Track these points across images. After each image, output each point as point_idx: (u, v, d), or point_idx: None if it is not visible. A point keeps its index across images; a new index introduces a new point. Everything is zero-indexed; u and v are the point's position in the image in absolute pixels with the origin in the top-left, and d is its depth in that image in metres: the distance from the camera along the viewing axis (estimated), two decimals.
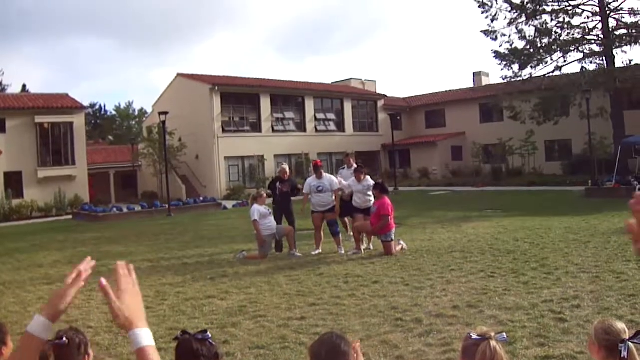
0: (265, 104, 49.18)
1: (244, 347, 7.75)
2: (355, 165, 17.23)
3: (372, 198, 15.84)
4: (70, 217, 34.30)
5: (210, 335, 3.25)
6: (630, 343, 3.00)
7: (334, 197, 15.95)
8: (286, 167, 17.09)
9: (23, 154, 39.02)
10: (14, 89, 74.35)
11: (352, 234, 16.57)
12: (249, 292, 11.50)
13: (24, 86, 78.72)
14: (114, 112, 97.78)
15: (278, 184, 16.70)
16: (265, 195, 15.90)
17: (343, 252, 15.66)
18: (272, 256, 15.69)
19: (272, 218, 15.69)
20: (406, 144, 55.64)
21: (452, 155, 53.91)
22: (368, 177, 16.48)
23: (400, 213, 21.51)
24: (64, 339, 3.60)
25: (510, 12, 40.75)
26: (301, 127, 51.68)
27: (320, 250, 16.00)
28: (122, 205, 36.63)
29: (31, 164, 39.36)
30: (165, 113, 34.87)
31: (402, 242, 15.69)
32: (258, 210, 15.43)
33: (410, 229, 20.02)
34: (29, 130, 39.46)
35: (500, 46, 41.89)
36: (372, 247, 15.97)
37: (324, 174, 16.19)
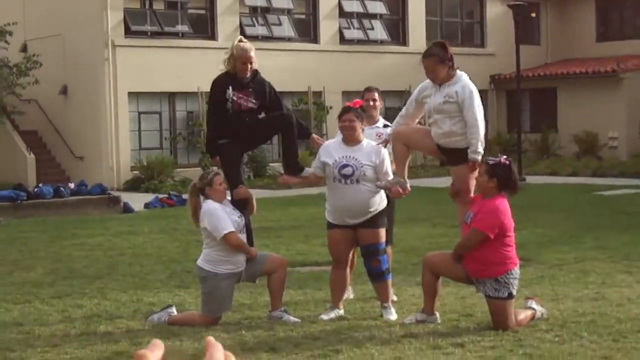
0: None
1: None
2: (381, 119, 12.43)
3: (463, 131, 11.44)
4: None
5: None
6: None
7: (382, 194, 11.10)
8: (248, 45, 10.83)
9: None
10: None
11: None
12: None
13: None
14: None
15: (230, 90, 10.70)
16: (221, 180, 10.64)
17: (394, 316, 11.08)
18: (231, 318, 11.55)
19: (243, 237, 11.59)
20: (549, 76, 41.45)
21: None
22: (458, 73, 10.44)
23: (526, 236, 16.64)
24: None
25: None
26: (308, 29, 37.98)
27: (342, 312, 11.47)
28: None
29: None
30: None
31: (533, 303, 10.73)
32: (221, 210, 10.20)
33: (550, 271, 14.74)
34: None
35: None
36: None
37: (364, 139, 11.10)
